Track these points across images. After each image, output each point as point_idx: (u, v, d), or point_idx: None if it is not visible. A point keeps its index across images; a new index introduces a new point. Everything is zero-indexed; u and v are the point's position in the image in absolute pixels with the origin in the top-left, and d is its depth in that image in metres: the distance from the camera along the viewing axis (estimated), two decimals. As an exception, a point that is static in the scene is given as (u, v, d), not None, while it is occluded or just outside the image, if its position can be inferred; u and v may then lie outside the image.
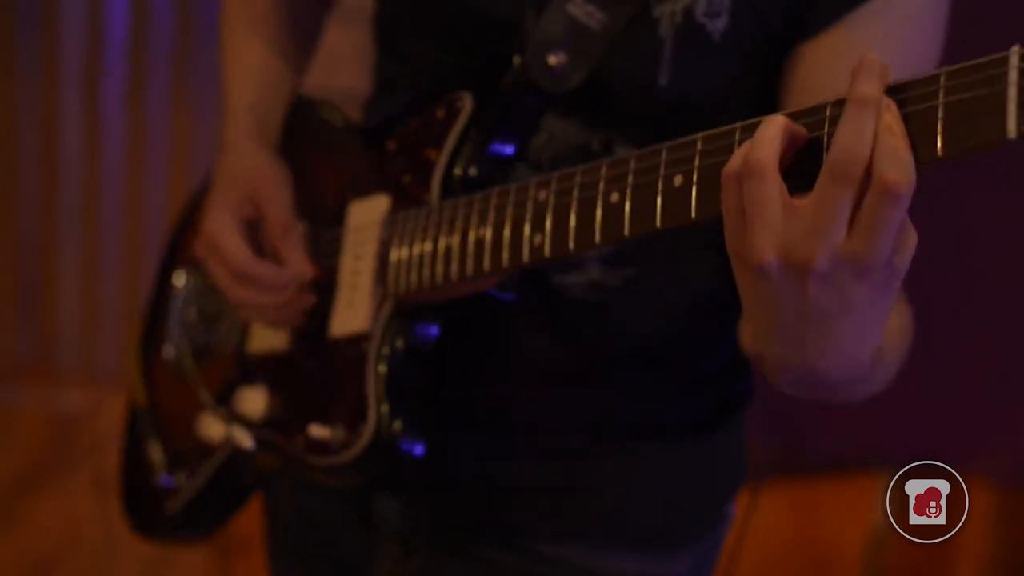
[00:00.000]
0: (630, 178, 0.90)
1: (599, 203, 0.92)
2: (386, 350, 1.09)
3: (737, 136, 0.82)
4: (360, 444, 1.08)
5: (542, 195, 0.97)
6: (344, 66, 1.60)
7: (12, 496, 3.43)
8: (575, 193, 0.95)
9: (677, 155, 0.87)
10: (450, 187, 1.09)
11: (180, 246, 1.41)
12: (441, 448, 1.13)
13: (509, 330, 1.15)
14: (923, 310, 1.15)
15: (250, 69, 1.27)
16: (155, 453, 1.36)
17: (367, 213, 1.14)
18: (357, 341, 1.12)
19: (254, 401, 1.21)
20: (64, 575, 2.99)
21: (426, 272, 1.06)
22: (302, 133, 1.26)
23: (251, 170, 1.19)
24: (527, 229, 0.98)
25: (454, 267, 1.04)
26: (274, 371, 1.22)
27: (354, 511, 1.24)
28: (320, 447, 1.12)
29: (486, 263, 1.01)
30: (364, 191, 1.16)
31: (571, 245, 0.95)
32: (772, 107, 1.06)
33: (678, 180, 0.86)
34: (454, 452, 1.17)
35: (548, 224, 0.97)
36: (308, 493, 1.27)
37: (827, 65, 1.04)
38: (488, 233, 1.01)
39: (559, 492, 1.18)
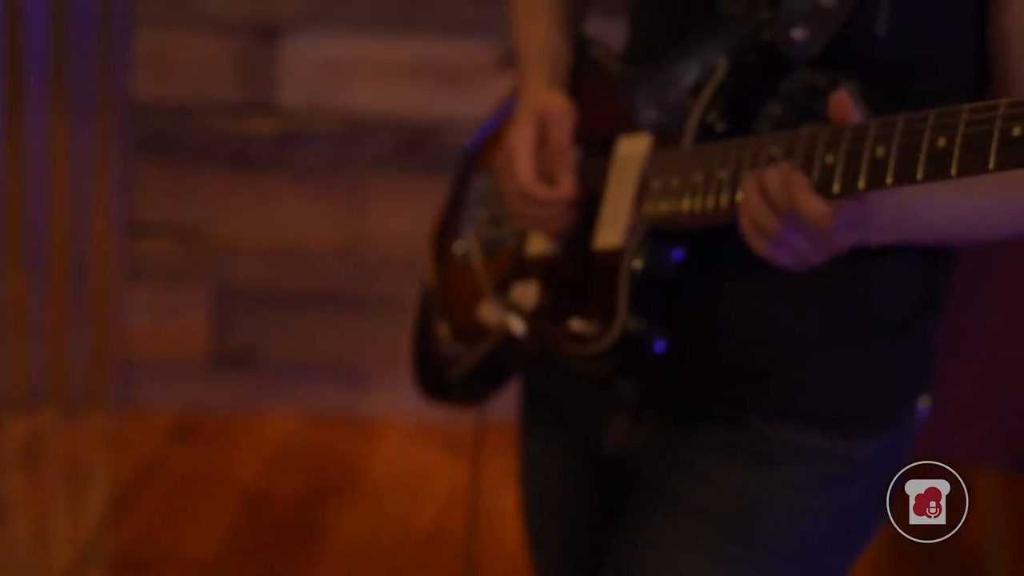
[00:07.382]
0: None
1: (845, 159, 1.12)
2: (636, 263, 1.32)
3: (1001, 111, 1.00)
4: (610, 336, 1.32)
5: (773, 150, 1.18)
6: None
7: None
8: (799, 148, 1.15)
9: (942, 120, 1.04)
10: (704, 135, 1.31)
11: (480, 155, 1.65)
12: (676, 337, 1.35)
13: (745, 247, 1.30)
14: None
15: (540, 39, 1.54)
16: (442, 328, 1.61)
17: (633, 148, 1.38)
18: (614, 255, 1.35)
19: (527, 294, 1.46)
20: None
21: (673, 202, 1.29)
22: (580, 71, 1.53)
23: (545, 100, 1.45)
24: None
25: (698, 201, 1.26)
26: (545, 271, 1.46)
27: (596, 389, 1.46)
28: (578, 338, 1.36)
29: (722, 201, 1.24)
30: (631, 128, 1.40)
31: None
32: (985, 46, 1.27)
33: (942, 142, 1.04)
34: (684, 340, 1.37)
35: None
36: (559, 375, 1.50)
37: None
38: (725, 175, 1.23)
39: (771, 375, 1.37)
